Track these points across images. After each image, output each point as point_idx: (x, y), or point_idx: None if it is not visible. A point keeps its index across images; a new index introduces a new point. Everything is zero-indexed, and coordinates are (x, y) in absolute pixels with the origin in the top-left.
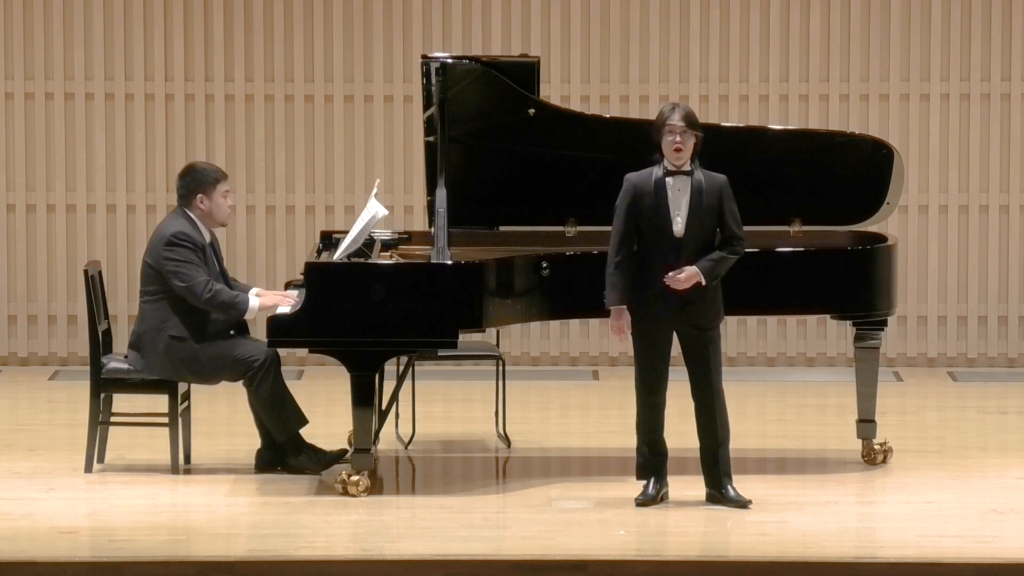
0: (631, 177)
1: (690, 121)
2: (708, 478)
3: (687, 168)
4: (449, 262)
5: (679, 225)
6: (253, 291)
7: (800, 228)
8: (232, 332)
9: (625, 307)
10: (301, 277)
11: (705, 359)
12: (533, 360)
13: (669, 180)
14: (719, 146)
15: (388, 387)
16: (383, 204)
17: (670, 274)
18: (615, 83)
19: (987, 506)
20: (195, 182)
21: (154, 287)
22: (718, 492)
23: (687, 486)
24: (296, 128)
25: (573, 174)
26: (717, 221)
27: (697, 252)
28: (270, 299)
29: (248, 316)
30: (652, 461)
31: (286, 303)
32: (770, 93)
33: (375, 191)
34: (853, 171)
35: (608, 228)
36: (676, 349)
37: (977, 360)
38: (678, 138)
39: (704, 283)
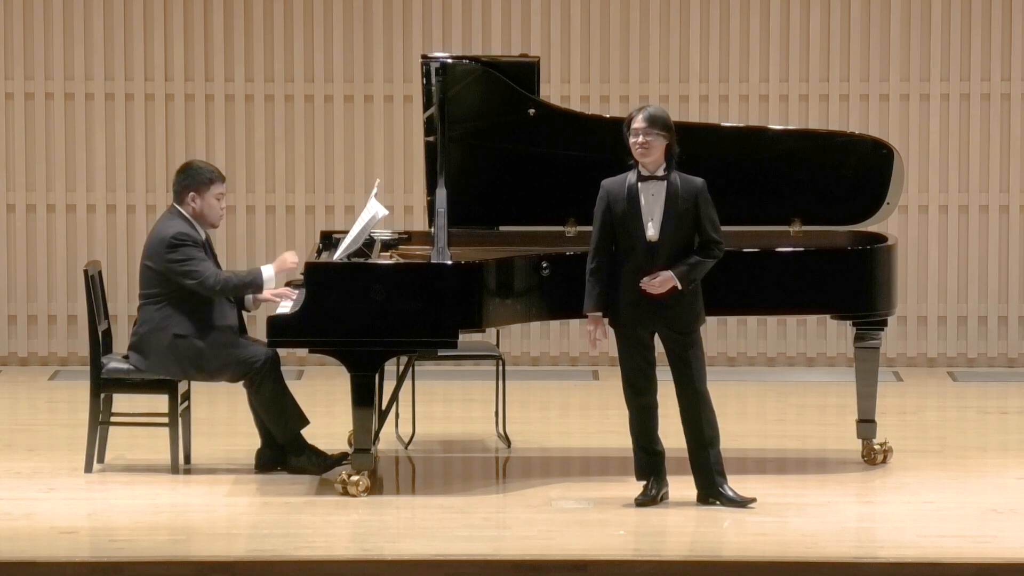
0: (606, 183)
1: (653, 121)
2: (700, 480)
3: (661, 172)
4: (449, 262)
5: (652, 230)
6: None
7: (800, 228)
8: (234, 331)
9: (600, 314)
10: (301, 277)
11: (687, 362)
12: (533, 360)
13: (643, 185)
14: (719, 146)
15: (388, 387)
16: (383, 204)
17: (645, 279)
18: (615, 83)
19: (987, 506)
20: (188, 180)
21: (156, 289)
22: (714, 493)
23: (687, 486)
24: (296, 128)
25: (573, 174)
26: (693, 225)
27: (672, 256)
28: (287, 263)
29: (267, 286)
30: (649, 461)
31: (289, 295)
32: (770, 93)
33: (375, 191)
34: (853, 171)
35: None
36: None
37: (977, 360)
38: (641, 138)
39: (680, 287)
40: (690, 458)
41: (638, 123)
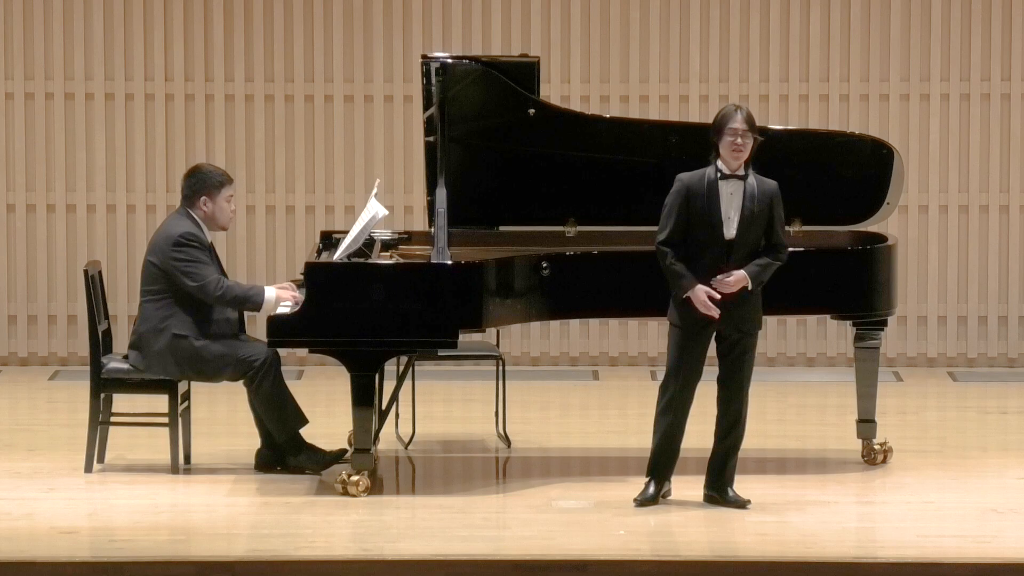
0: (683, 177)
1: (752, 124)
2: (710, 479)
3: (741, 172)
4: (449, 262)
5: (731, 228)
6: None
7: (800, 228)
8: (234, 330)
9: (699, 284)
10: (301, 277)
11: (740, 364)
12: (533, 360)
13: (722, 183)
14: None
15: (388, 387)
16: (383, 204)
17: (718, 277)
18: (615, 83)
19: (987, 506)
20: (199, 184)
21: (158, 287)
22: (718, 494)
23: (687, 486)
24: (296, 128)
25: (573, 174)
26: (765, 227)
27: (745, 256)
28: (286, 293)
29: (265, 307)
30: (666, 458)
31: (295, 299)
32: (770, 93)
33: (375, 191)
34: (853, 171)
35: (608, 228)
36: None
37: (977, 360)
38: (739, 140)
39: (750, 288)
40: (711, 456)
41: (739, 124)
